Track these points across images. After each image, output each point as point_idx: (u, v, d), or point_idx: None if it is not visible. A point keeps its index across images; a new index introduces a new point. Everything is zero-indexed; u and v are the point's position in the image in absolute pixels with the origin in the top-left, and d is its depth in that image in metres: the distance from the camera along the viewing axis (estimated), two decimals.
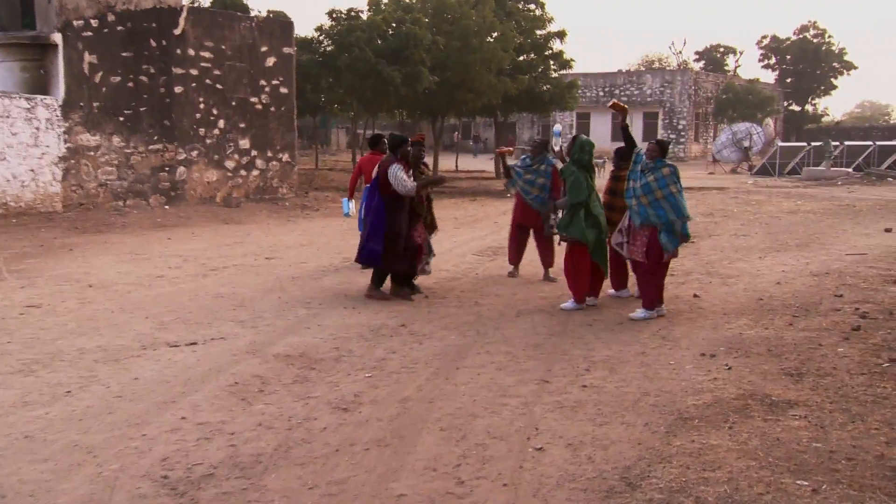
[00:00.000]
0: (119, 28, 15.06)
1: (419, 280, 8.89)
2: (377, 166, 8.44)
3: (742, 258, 11.48)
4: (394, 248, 8.30)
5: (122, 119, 15.21)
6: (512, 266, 10.10)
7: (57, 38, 14.11)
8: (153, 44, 15.68)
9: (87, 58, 14.56)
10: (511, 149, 10.32)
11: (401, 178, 8.12)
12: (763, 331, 7.16)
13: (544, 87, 28.18)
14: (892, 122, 69.45)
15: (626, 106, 8.34)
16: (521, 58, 27.78)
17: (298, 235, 13.58)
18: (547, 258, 9.85)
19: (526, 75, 26.44)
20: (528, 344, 6.77)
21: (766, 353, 6.41)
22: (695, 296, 8.74)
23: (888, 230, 14.42)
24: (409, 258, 8.48)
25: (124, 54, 15.18)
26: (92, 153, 14.80)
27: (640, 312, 7.77)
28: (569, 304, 8.27)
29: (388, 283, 8.61)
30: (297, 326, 7.23)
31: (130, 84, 15.37)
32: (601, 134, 49.08)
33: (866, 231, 14.56)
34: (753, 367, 6.01)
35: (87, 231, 13.06)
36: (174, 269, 9.89)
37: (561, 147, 8.87)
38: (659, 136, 47.17)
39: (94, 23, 14.63)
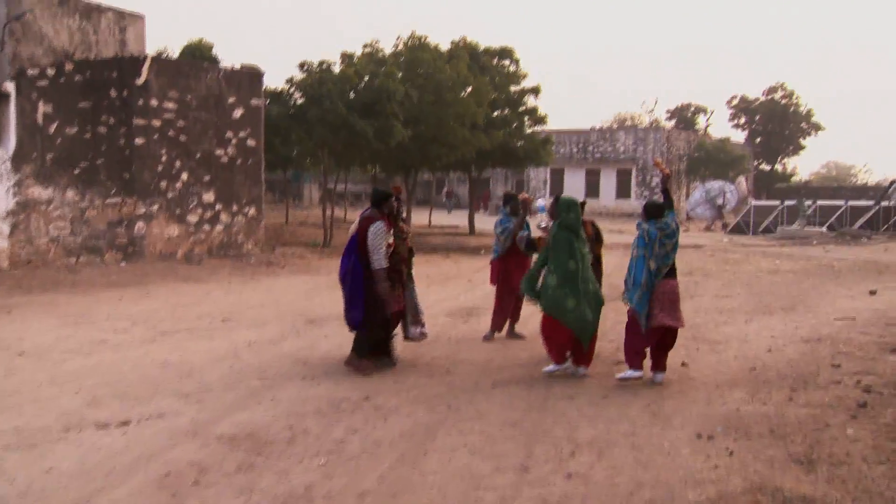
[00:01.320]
0: (77, 77, 14.47)
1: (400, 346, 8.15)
2: (357, 222, 7.61)
3: (728, 321, 10.92)
4: (375, 314, 7.49)
5: (77, 172, 14.51)
6: (491, 331, 9.45)
7: (9, 87, 13.47)
8: (113, 94, 15.09)
9: (42, 108, 13.92)
10: (532, 199, 9.64)
11: (378, 244, 7.35)
12: (761, 406, 6.54)
13: (519, 143, 27.92)
14: (858, 182, 70.48)
15: (667, 169, 8.11)
16: (496, 113, 27.54)
17: (261, 294, 12.84)
18: (518, 312, 9.45)
19: (500, 130, 26.16)
20: (504, 421, 6.08)
21: (768, 434, 5.78)
22: (683, 364, 8.12)
23: (872, 293, 14.00)
24: (388, 322, 7.71)
25: (82, 104, 14.57)
26: (44, 207, 14.04)
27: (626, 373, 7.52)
28: (550, 367, 7.68)
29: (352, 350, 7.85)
30: (248, 400, 6.49)
31: (88, 135, 14.71)
32: (575, 190, 49.03)
33: (850, 293, 14.13)
34: (757, 452, 5.36)
35: (33, 290, 12.21)
36: (120, 334, 9.10)
37: (547, 224, 8.30)
38: (638, 202, 47.20)
39: (50, 72, 14.03)
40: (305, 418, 6.06)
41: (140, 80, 15.36)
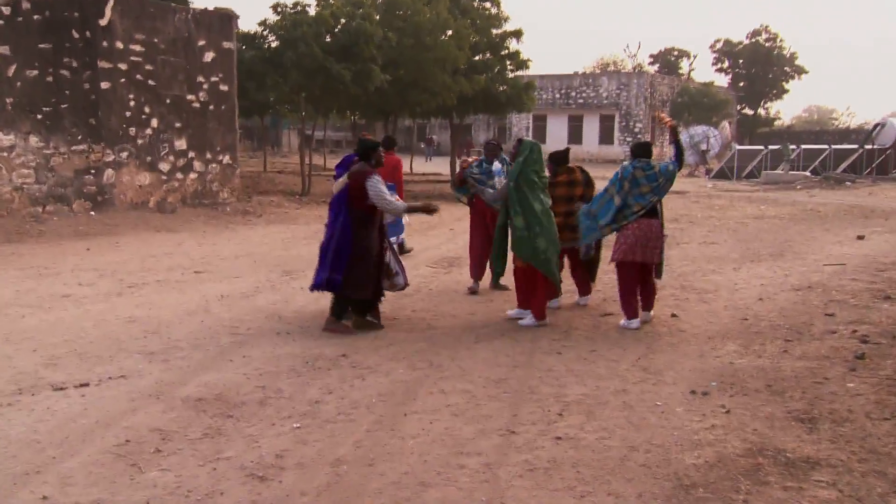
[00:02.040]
0: (36, 17, 13.68)
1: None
2: (345, 176, 7.06)
3: (716, 270, 10.66)
4: (358, 272, 6.99)
5: (40, 117, 13.83)
6: (473, 280, 9.12)
7: None
8: (76, 35, 14.32)
9: None
10: (473, 159, 9.28)
11: (383, 193, 6.92)
12: (756, 359, 6.27)
13: (501, 88, 27.25)
14: (840, 126, 70.32)
15: (672, 120, 7.87)
16: (477, 57, 26.79)
17: (235, 245, 12.40)
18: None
19: (482, 75, 25.48)
20: (489, 379, 5.77)
21: (765, 389, 5.51)
22: (673, 315, 7.84)
23: (860, 237, 13.81)
24: (374, 282, 7.20)
25: (42, 46, 13.80)
26: (5, 154, 13.40)
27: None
28: (527, 320, 7.44)
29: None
30: (218, 359, 6.13)
31: (50, 79, 13.99)
32: (558, 137, 48.52)
33: (837, 238, 13.92)
34: (755, 409, 5.09)
35: None
36: (85, 287, 8.67)
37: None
38: (622, 148, 46.76)
39: (5, 10, 13.23)
40: (279, 378, 5.72)
41: (104, 21, 14.60)
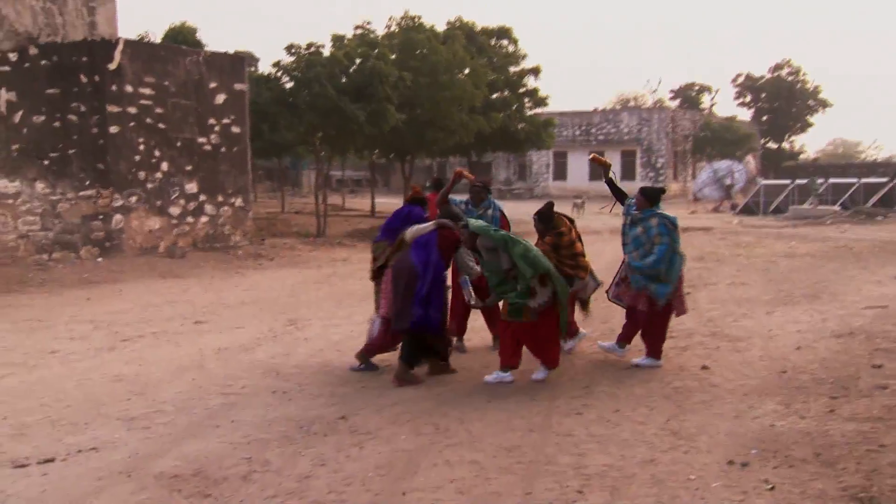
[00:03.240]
0: (43, 62, 13.54)
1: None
2: (435, 223, 6.95)
3: (747, 313, 10.00)
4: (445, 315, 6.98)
5: (46, 163, 13.61)
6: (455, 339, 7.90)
7: None
8: (84, 80, 14.14)
9: (5, 95, 13.03)
10: (472, 176, 8.34)
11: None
12: (800, 421, 5.63)
13: (519, 126, 26.97)
14: (867, 159, 69.26)
15: (606, 161, 7.69)
16: (495, 95, 26.61)
17: (243, 291, 11.95)
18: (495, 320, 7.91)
19: (500, 113, 25.21)
20: (500, 447, 5.17)
21: (813, 459, 4.86)
22: (704, 367, 7.20)
23: None
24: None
25: (50, 91, 13.64)
26: (10, 201, 13.17)
27: (644, 359, 7.27)
28: (540, 373, 6.84)
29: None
30: (204, 424, 5.59)
31: (57, 124, 13.80)
32: (579, 173, 48.14)
33: (875, 277, 13.17)
34: (804, 485, 4.45)
35: None
36: (76, 341, 8.21)
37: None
38: (643, 184, 46.20)
39: (12, 56, 13.11)
40: (268, 446, 5.17)
41: (113, 65, 14.41)
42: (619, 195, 7.54)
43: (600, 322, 9.50)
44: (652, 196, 7.31)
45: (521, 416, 5.82)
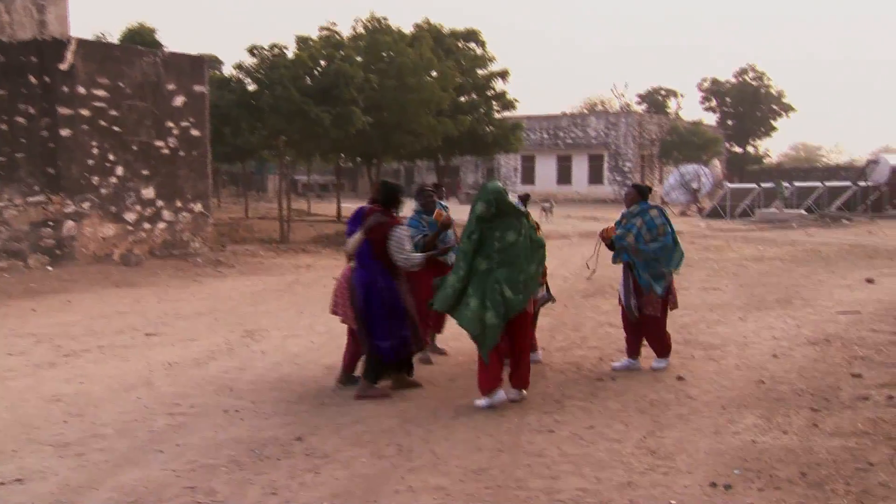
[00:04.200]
0: None
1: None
2: (361, 231, 6.28)
3: (720, 320, 9.77)
4: (416, 328, 6.48)
5: None
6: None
7: None
8: (33, 80, 13.53)
9: None
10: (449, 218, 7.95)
11: (403, 245, 6.31)
12: (782, 436, 5.34)
13: (487, 129, 26.69)
14: (829, 163, 70.14)
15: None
16: (462, 98, 26.29)
17: (200, 301, 11.44)
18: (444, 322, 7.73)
19: (468, 116, 24.89)
20: (467, 470, 4.81)
21: (799, 479, 4.57)
22: (679, 378, 6.92)
23: (870, 281, 12.96)
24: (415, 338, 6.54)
25: None
26: None
27: (660, 362, 7.27)
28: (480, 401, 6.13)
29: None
30: (145, 449, 5.15)
31: (4, 126, 13.16)
32: (547, 177, 48.07)
33: (845, 282, 13.07)
34: None
35: None
36: (14, 357, 7.68)
37: None
38: (610, 188, 46.20)
39: None
40: (215, 473, 4.75)
41: (64, 66, 13.81)
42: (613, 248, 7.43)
43: (572, 330, 9.20)
44: (643, 191, 7.45)
45: (490, 435, 5.46)
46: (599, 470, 4.79)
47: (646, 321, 7.20)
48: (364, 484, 4.60)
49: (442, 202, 7.76)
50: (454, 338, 8.63)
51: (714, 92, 61.63)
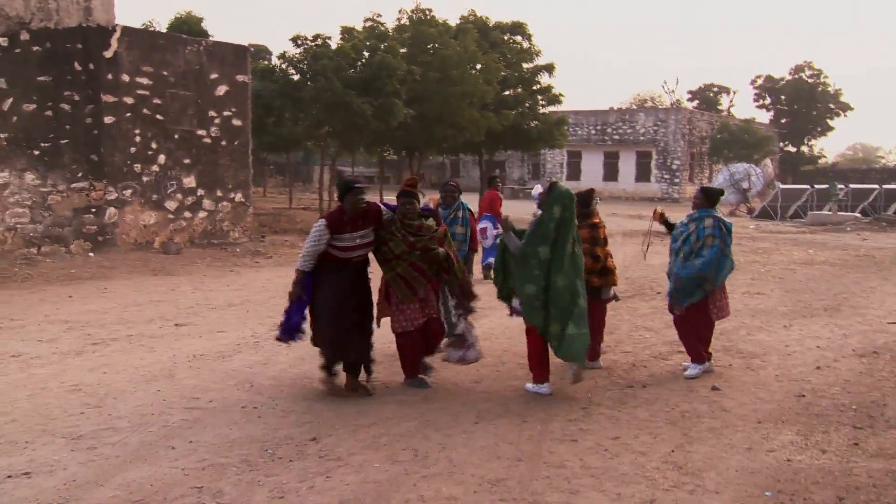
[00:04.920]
0: (35, 48, 13.08)
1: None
2: None
3: (763, 326, 9.40)
4: (321, 326, 6.18)
5: (37, 153, 13.16)
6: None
7: None
8: (78, 67, 13.67)
9: None
10: (436, 198, 8.07)
11: (308, 243, 6.12)
12: (820, 456, 5.04)
13: (532, 124, 26.35)
14: (888, 164, 68.03)
15: (661, 213, 7.48)
16: (507, 92, 26.01)
17: (233, 291, 11.43)
18: None
19: (512, 111, 24.60)
20: (483, 479, 4.62)
21: (836, 503, 4.28)
22: (714, 388, 6.62)
23: None
24: (341, 341, 6.17)
25: (41, 79, 13.18)
26: None
27: (691, 367, 7.01)
28: (531, 386, 6.43)
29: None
30: (158, 445, 5.07)
31: (49, 112, 13.34)
32: (593, 174, 47.41)
33: None
34: None
35: None
36: (43, 344, 7.71)
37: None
38: (658, 186, 45.45)
39: (2, 41, 12.66)
40: (224, 473, 4.64)
41: (109, 53, 13.94)
42: (670, 227, 7.33)
43: (605, 333, 8.92)
44: (711, 196, 7.09)
45: (510, 442, 5.26)
46: (621, 485, 4.56)
47: (676, 320, 7.12)
48: (374, 490, 4.45)
49: (463, 202, 7.81)
50: (484, 337, 8.46)
51: (768, 89, 60.17)
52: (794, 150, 60.28)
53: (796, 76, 59.36)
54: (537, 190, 6.98)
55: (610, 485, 4.57)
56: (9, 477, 4.44)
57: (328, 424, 5.55)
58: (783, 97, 59.56)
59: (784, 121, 59.60)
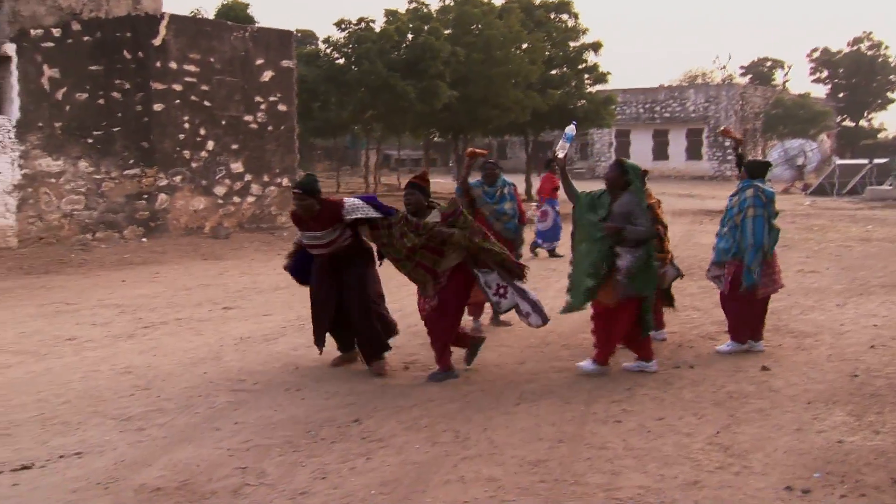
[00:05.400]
0: (86, 38, 13.34)
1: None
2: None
3: (816, 305, 9.16)
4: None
5: (90, 141, 13.45)
6: (473, 321, 7.86)
7: (10, 49, 12.40)
8: (128, 56, 13.92)
9: (48, 72, 12.84)
10: (485, 151, 8.27)
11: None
12: (873, 437, 4.90)
13: (578, 103, 26.02)
14: None
15: (738, 134, 7.47)
16: (553, 71, 25.70)
17: (280, 275, 11.39)
18: None
19: (558, 90, 24.32)
20: (524, 460, 4.60)
21: (889, 486, 4.16)
22: (763, 368, 6.48)
23: None
24: (314, 324, 6.56)
25: (93, 68, 13.45)
26: (54, 180, 13.04)
27: (725, 345, 6.98)
28: (588, 364, 6.39)
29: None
30: (203, 426, 5.16)
31: (100, 101, 13.61)
32: (642, 153, 46.68)
33: None
34: None
35: (34, 271, 11.22)
36: (97, 328, 7.92)
37: (567, 154, 6.57)
38: (709, 164, 44.53)
39: (55, 32, 12.92)
40: (268, 454, 4.70)
41: (157, 41, 14.15)
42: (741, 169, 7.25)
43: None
44: (750, 168, 7.02)
45: (552, 424, 5.22)
46: (665, 466, 4.50)
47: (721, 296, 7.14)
48: (415, 472, 4.46)
49: (507, 179, 7.90)
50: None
51: (825, 62, 58.42)
52: (852, 124, 58.51)
53: (855, 48, 57.50)
54: (570, 130, 6.79)
55: (653, 466, 4.51)
56: (61, 457, 4.57)
57: (370, 406, 5.58)
58: (841, 70, 57.81)
59: (842, 94, 57.86)
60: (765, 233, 6.75)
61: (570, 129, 6.71)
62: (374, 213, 6.19)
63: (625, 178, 6.19)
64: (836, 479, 4.29)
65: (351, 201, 6.24)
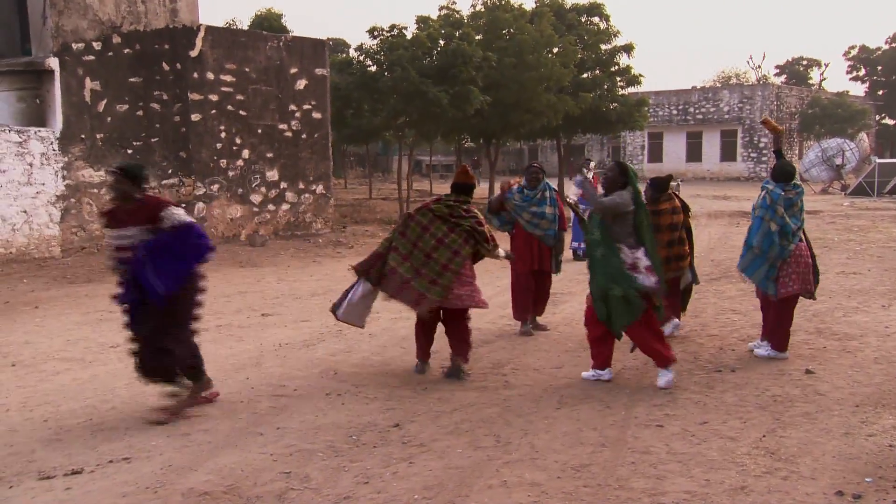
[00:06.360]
0: (126, 51, 13.58)
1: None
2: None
3: (860, 307, 9.01)
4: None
5: (130, 151, 13.68)
6: (520, 322, 8.06)
7: (53, 63, 12.67)
8: (166, 67, 14.15)
9: (89, 84, 13.09)
10: (515, 181, 8.30)
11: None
12: None
13: (611, 106, 25.87)
14: None
15: (779, 126, 7.31)
16: (585, 75, 25.59)
17: (316, 281, 11.66)
18: (544, 303, 8.20)
19: (590, 93, 24.18)
20: (566, 465, 4.58)
21: None
22: (808, 371, 6.39)
23: None
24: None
25: (132, 80, 13.69)
26: (95, 190, 13.29)
27: (763, 349, 6.94)
28: (587, 373, 6.41)
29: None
30: (247, 431, 5.22)
31: (140, 112, 13.85)
32: (675, 155, 46.32)
33: None
34: None
35: (77, 280, 11.43)
36: None
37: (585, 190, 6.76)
38: (744, 165, 43.94)
39: (96, 45, 13.18)
40: (311, 459, 4.74)
41: (194, 52, 14.37)
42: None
43: (691, 316, 8.72)
44: (773, 172, 6.90)
45: (594, 428, 5.20)
46: (710, 471, 4.45)
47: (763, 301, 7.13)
48: (457, 476, 4.47)
49: (549, 183, 8.00)
50: (565, 323, 8.42)
51: (863, 60, 57.44)
52: (892, 122, 57.40)
53: (893, 45, 56.44)
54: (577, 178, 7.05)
55: (698, 471, 4.47)
56: (111, 461, 4.65)
57: (410, 411, 5.60)
58: (879, 68, 56.78)
59: (881, 92, 56.80)
60: (759, 234, 6.69)
61: (578, 179, 6.98)
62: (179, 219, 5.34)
63: (624, 178, 6.14)
64: (889, 485, 4.21)
65: (177, 211, 5.35)
